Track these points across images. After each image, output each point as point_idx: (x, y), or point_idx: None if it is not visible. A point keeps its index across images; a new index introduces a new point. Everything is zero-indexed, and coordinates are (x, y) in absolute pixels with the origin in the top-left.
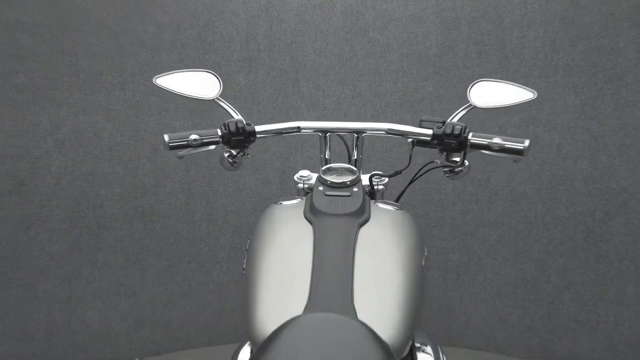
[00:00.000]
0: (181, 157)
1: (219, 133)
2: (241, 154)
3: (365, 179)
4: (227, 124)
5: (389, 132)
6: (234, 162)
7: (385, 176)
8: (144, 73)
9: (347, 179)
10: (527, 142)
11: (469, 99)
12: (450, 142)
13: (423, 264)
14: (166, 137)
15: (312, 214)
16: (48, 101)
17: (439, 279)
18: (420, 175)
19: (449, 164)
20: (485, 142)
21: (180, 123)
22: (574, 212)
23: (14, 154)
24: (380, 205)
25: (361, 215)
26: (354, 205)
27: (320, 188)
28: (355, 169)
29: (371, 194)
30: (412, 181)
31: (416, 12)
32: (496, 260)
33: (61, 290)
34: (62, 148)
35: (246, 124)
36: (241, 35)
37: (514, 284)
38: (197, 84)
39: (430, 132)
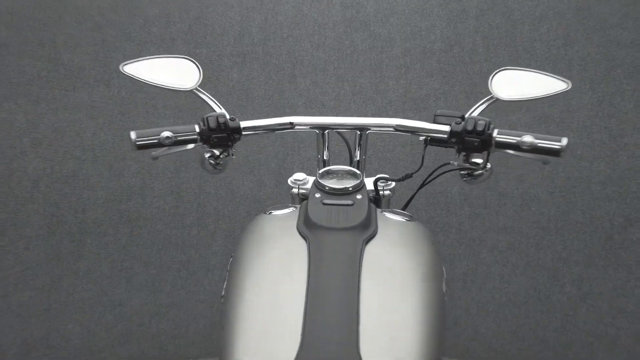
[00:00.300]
0: (155, 158)
1: (197, 130)
2: (225, 154)
3: (369, 184)
4: (206, 118)
5: (398, 129)
6: (217, 163)
7: (393, 180)
8: None
9: (349, 184)
10: (564, 141)
11: (490, 90)
12: (472, 141)
13: (444, 290)
14: (133, 135)
15: (307, 227)
16: (24, 97)
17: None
18: (432, 180)
19: (468, 166)
20: (514, 141)
21: (170, 121)
22: (591, 217)
23: None
24: (388, 215)
25: (366, 229)
26: (357, 216)
27: (317, 195)
28: (358, 172)
29: (375, 200)
30: (422, 186)
31: (420, 4)
32: (506, 268)
33: (38, 302)
34: (39, 148)
35: (230, 119)
36: (235, 28)
37: (525, 294)
38: (173, 72)
39: (447, 128)
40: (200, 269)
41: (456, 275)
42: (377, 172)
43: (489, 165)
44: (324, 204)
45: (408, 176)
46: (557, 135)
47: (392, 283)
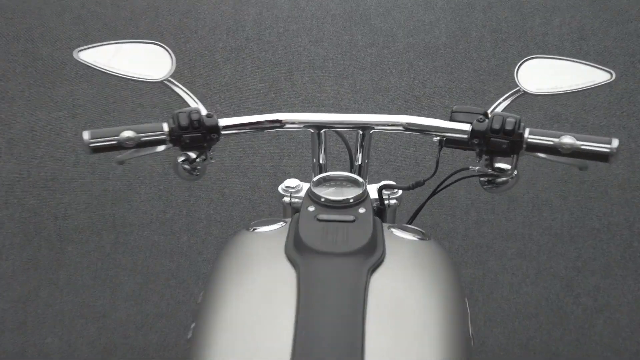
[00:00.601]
0: (121, 163)
1: (166, 129)
2: (202, 157)
3: (372, 192)
4: (177, 115)
5: (408, 127)
6: (193, 169)
7: (401, 188)
8: None
9: (350, 194)
10: (615, 143)
11: (517, 82)
12: (500, 142)
13: (470, 333)
14: (86, 135)
15: (297, 251)
16: None
17: None
18: (446, 187)
19: (491, 172)
20: (551, 143)
21: (158, 121)
22: (608, 223)
23: None
24: (397, 233)
25: (372, 254)
26: (361, 237)
27: (311, 209)
28: (360, 179)
29: (379, 211)
30: (433, 194)
31: None
32: (515, 276)
33: (13, 315)
34: (15, 149)
35: (206, 116)
36: (228, 22)
37: (536, 304)
38: (140, 60)
39: (467, 127)
40: (190, 278)
41: (462, 284)
42: (376, 177)
43: (515, 172)
44: (319, 220)
45: (419, 184)
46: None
47: (406, 326)
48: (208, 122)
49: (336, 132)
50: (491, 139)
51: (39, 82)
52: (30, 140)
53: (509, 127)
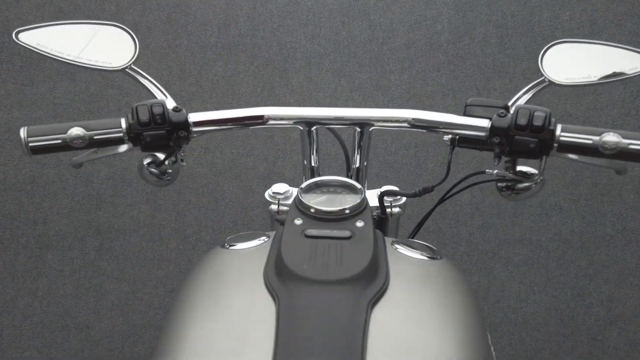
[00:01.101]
0: (78, 166)
1: (123, 125)
2: (172, 159)
3: (372, 199)
4: (136, 108)
5: (414, 124)
6: (163, 173)
7: (407, 195)
8: None
9: (346, 204)
10: None
11: (542, 71)
12: (527, 141)
13: None
14: (23, 132)
15: (278, 276)
16: None
17: None
18: (456, 194)
19: (514, 177)
20: (590, 142)
21: None
22: (623, 229)
23: None
24: (402, 251)
25: (373, 280)
26: (359, 258)
27: (297, 222)
28: (358, 185)
29: (380, 221)
30: (441, 201)
31: None
32: (523, 284)
33: None
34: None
35: (173, 110)
36: (219, 17)
37: (545, 314)
38: (97, 44)
39: (486, 123)
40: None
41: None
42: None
43: (541, 177)
44: (307, 236)
45: (428, 190)
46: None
47: None
48: (175, 117)
49: (330, 129)
50: (515, 137)
51: (16, 79)
52: (6, 141)
53: (537, 122)
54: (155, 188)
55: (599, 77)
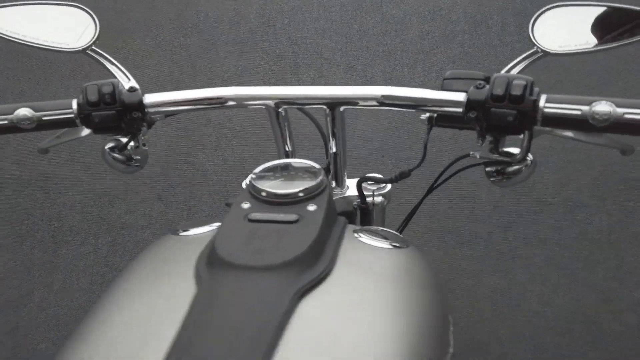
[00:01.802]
0: (44, 151)
1: (74, 106)
2: (133, 144)
3: (352, 188)
4: (85, 88)
5: (384, 102)
6: (130, 158)
7: (382, 181)
8: None
9: (300, 186)
10: None
11: (533, 40)
12: (504, 114)
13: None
14: None
15: (208, 262)
16: None
17: (467, 308)
18: (445, 181)
19: (497, 158)
20: (578, 113)
21: (162, 122)
22: None
23: None
24: (364, 238)
25: (309, 268)
26: (296, 245)
27: (245, 205)
28: (317, 166)
29: (362, 212)
30: (430, 191)
31: None
32: (545, 287)
33: (4, 320)
34: (7, 148)
35: (128, 90)
36: (230, 13)
37: (570, 319)
38: (56, 25)
39: (462, 96)
40: None
41: (483, 294)
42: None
43: (530, 157)
44: (251, 220)
45: (404, 175)
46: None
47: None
48: (127, 97)
49: (301, 110)
50: (492, 109)
51: (31, 78)
52: (22, 138)
53: (516, 91)
54: (126, 175)
55: (597, 44)
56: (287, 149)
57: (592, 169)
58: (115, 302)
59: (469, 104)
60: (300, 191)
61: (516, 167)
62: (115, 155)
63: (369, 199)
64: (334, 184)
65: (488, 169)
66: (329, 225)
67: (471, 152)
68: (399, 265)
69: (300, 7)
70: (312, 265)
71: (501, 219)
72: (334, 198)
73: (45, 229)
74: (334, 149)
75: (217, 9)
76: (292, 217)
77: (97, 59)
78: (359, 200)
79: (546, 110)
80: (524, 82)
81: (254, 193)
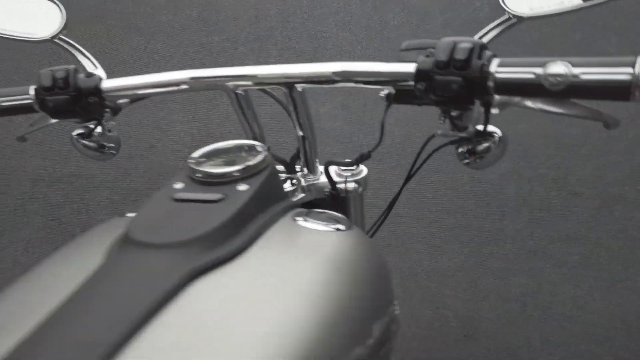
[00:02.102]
0: (22, 140)
1: (32, 92)
2: (99, 131)
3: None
4: (40, 74)
5: (339, 78)
6: (100, 145)
7: (342, 164)
8: (137, 61)
9: (236, 167)
10: (639, 63)
11: (503, 4)
12: (448, 82)
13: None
14: None
15: (120, 242)
16: None
17: (496, 309)
18: (421, 165)
19: (453, 135)
20: (531, 77)
21: (180, 116)
22: None
23: None
24: (303, 222)
25: (210, 249)
26: (205, 223)
27: (177, 186)
28: (260, 146)
29: (335, 200)
30: (408, 179)
31: None
32: (579, 289)
33: None
34: (40, 146)
35: (86, 75)
36: (249, 12)
37: (609, 326)
38: (22, 15)
39: (412, 67)
40: None
41: (511, 295)
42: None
43: (498, 132)
44: (175, 200)
45: (365, 157)
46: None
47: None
48: (83, 82)
49: (264, 91)
50: (436, 77)
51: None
52: (55, 138)
53: (460, 55)
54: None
55: (572, 3)
56: (254, 131)
57: (632, 159)
58: (26, 275)
59: (418, 75)
60: (236, 171)
61: (485, 144)
62: (86, 142)
63: (341, 186)
64: (305, 170)
65: (459, 149)
66: (260, 207)
67: (438, 132)
68: (331, 248)
69: (319, 2)
70: (218, 246)
71: (530, 215)
72: (307, 184)
73: (75, 222)
74: (301, 132)
75: (238, 9)
76: (217, 196)
77: (65, 47)
78: (330, 187)
79: (498, 75)
80: (469, 45)
81: (189, 174)
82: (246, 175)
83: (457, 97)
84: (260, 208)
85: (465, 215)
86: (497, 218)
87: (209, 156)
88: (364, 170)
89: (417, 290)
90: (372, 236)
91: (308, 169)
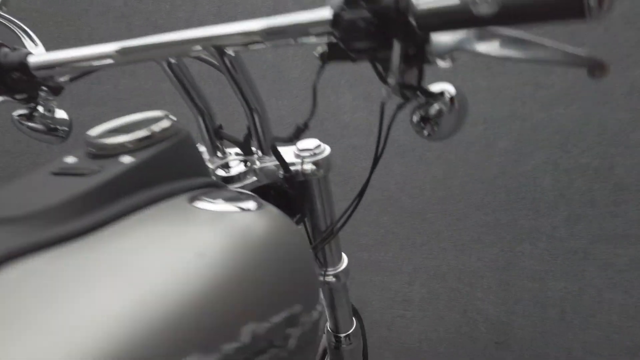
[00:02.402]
0: None
1: None
2: (42, 110)
3: (271, 157)
4: None
5: (269, 35)
6: (48, 128)
7: (281, 140)
8: None
9: (126, 137)
10: None
11: None
12: (354, 21)
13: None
14: None
15: None
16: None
17: (533, 315)
18: (386, 136)
19: (388, 94)
20: (456, 5)
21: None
22: None
23: (14, 149)
24: (199, 203)
25: (46, 226)
26: (54, 197)
27: (68, 159)
28: (168, 118)
29: (293, 183)
30: (376, 161)
31: None
32: (629, 296)
33: None
34: (65, 144)
35: (12, 49)
36: (267, 4)
37: None
38: None
39: (328, 14)
40: None
41: (550, 300)
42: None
43: (451, 91)
44: (54, 173)
45: (301, 130)
46: None
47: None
48: (4, 56)
49: (200, 59)
50: (345, 18)
51: (86, 79)
52: (78, 135)
53: None
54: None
55: None
56: (197, 104)
57: None
58: None
59: (335, 21)
60: (128, 142)
61: (436, 107)
62: (30, 124)
63: (295, 168)
64: (260, 152)
65: (413, 118)
66: (145, 182)
67: (383, 93)
68: (213, 230)
69: None
70: (58, 224)
71: (569, 211)
72: (259, 167)
73: None
74: (246, 105)
75: (256, 1)
76: (87, 170)
77: (4, 23)
78: (284, 170)
79: (420, 8)
80: None
81: (85, 147)
82: (140, 147)
83: (364, 37)
84: (146, 184)
85: (494, 212)
86: (531, 214)
87: (117, 130)
88: (326, 149)
89: (444, 291)
90: (341, 226)
91: (260, 148)
